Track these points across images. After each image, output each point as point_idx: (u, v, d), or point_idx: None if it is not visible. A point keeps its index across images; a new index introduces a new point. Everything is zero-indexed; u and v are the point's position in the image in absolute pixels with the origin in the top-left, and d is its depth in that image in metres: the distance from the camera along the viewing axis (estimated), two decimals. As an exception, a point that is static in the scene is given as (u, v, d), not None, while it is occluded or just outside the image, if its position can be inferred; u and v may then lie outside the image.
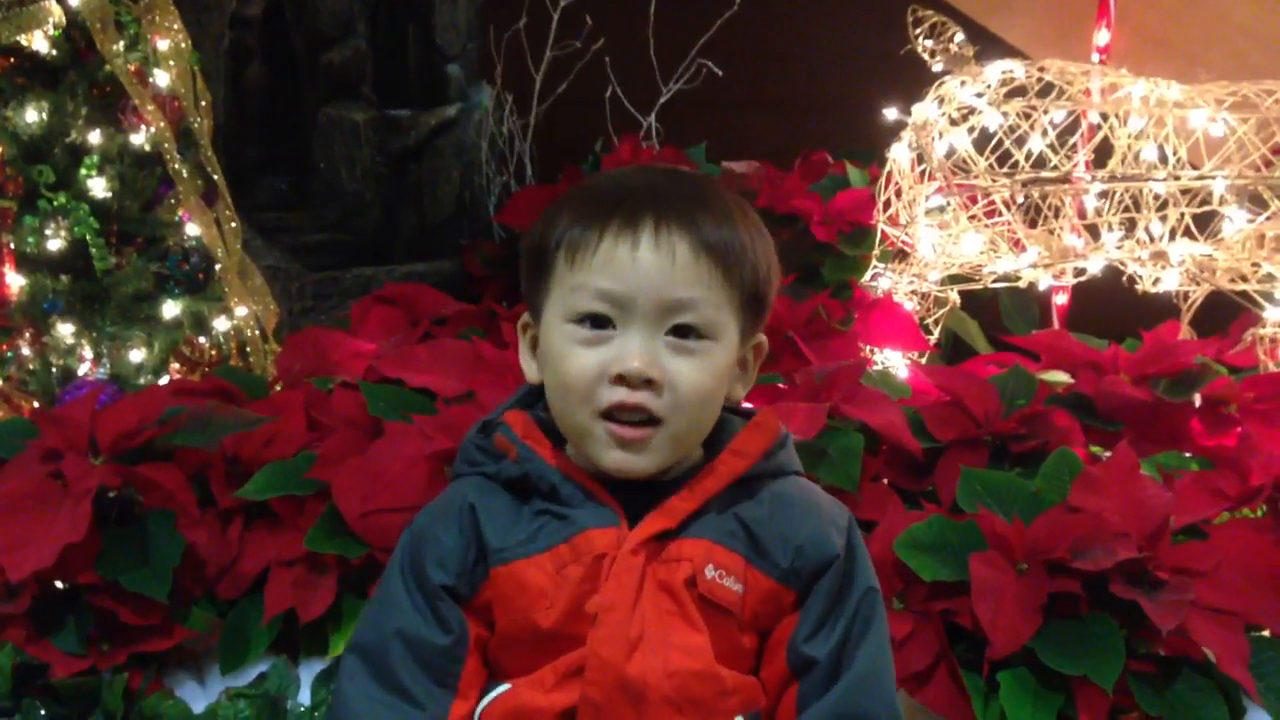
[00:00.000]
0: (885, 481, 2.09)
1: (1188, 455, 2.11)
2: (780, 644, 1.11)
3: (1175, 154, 2.46)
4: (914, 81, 2.72)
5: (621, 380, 1.07)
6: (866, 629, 1.10)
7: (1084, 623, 1.59)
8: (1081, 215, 2.65)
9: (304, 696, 1.75)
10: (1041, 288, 2.77)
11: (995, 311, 3.18)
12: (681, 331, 1.08)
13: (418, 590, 1.13)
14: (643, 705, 1.06)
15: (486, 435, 1.19)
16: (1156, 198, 2.49)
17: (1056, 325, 3.02)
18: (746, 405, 1.24)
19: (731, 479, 1.12)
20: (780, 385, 2.26)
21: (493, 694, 1.13)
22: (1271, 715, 1.57)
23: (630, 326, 1.07)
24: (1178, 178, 2.38)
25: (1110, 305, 2.85)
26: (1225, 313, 2.74)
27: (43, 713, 1.67)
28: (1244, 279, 2.42)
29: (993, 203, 2.56)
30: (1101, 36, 2.94)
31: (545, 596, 1.10)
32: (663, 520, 1.10)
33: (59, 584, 1.80)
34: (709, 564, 1.10)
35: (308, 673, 1.80)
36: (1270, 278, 2.39)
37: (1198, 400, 2.21)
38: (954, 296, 2.73)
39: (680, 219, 1.08)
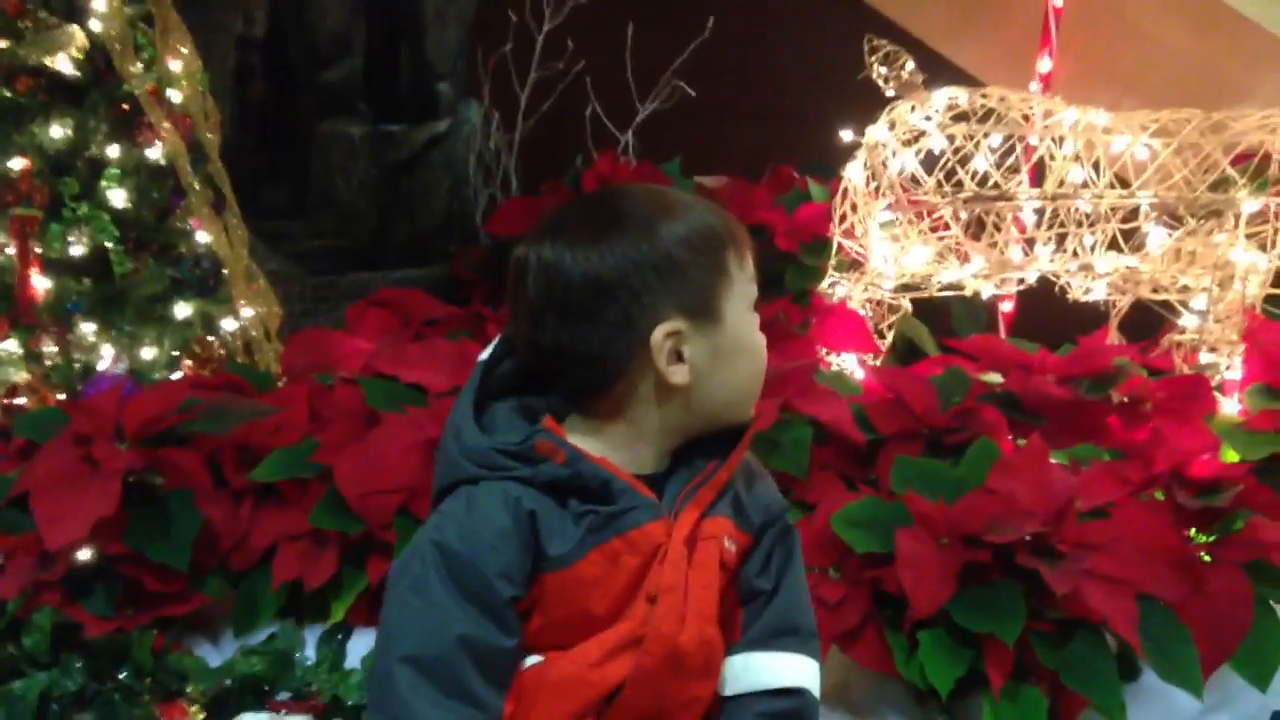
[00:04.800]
0: (834, 471, 2.30)
1: (1105, 448, 2.32)
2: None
3: (1105, 175, 2.67)
4: (876, 99, 2.89)
5: None
6: (789, 559, 1.31)
7: (993, 589, 1.80)
8: (1022, 230, 2.85)
9: (309, 653, 1.95)
10: (985, 296, 2.97)
11: (948, 318, 3.38)
12: None
13: (475, 604, 1.15)
14: (681, 670, 1.23)
15: (520, 442, 1.20)
16: (1088, 216, 2.69)
17: (1003, 331, 3.23)
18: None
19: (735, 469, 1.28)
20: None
21: (525, 664, 1.21)
22: (1154, 669, 1.79)
23: None
24: (1101, 197, 2.58)
25: (1054, 312, 3.05)
26: (1157, 319, 2.96)
27: (79, 665, 1.86)
28: (1163, 289, 2.64)
29: (941, 217, 2.76)
30: (1044, 64, 3.15)
31: (599, 586, 1.20)
32: (695, 511, 1.24)
33: (90, 554, 1.99)
34: (724, 535, 1.25)
35: (312, 634, 2.00)
36: (1187, 288, 2.61)
37: (1119, 399, 2.43)
38: (906, 304, 2.93)
39: None
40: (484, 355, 1.27)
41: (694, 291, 1.18)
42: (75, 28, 2.66)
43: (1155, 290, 2.68)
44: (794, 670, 1.29)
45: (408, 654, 1.14)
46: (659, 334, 1.17)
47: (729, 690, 1.28)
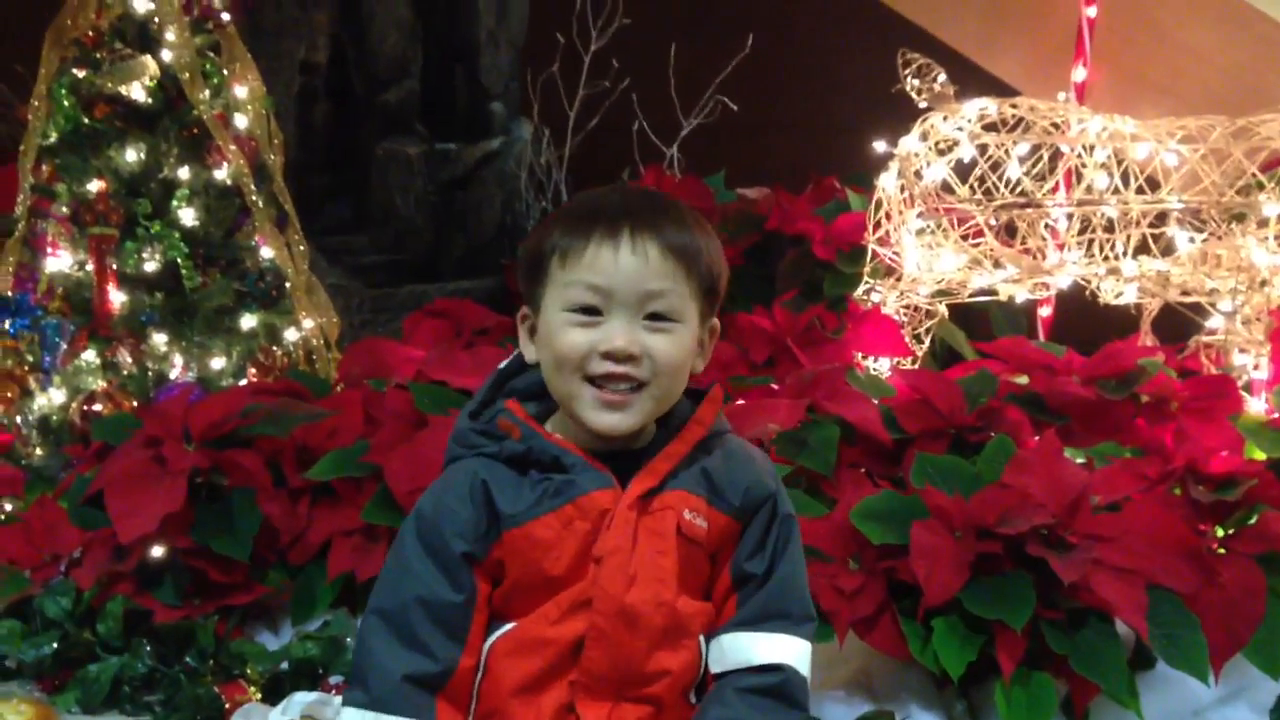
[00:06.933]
0: (863, 470, 2.37)
1: (1129, 446, 2.37)
2: (726, 563, 1.40)
3: (1134, 181, 2.72)
4: (911, 111, 2.94)
5: (609, 355, 1.32)
6: (786, 546, 1.40)
7: (1004, 578, 1.86)
8: (1057, 236, 2.90)
9: (360, 639, 2.07)
10: (1018, 300, 3.03)
11: (988, 323, 3.43)
12: (655, 316, 1.34)
13: (433, 559, 1.32)
14: (636, 628, 1.34)
15: (487, 421, 1.39)
16: (1118, 219, 2.73)
17: (1041, 335, 3.28)
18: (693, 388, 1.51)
19: (695, 443, 1.39)
20: (773, 386, 2.55)
21: (499, 632, 1.36)
22: (1162, 656, 1.84)
23: (615, 313, 1.32)
24: (1126, 203, 2.64)
25: (1092, 317, 3.10)
26: (1192, 323, 3.00)
27: (148, 649, 2.00)
28: (1189, 293, 2.68)
29: (975, 224, 2.81)
30: (1078, 74, 3.20)
31: (554, 548, 1.33)
32: (648, 480, 1.36)
33: (159, 548, 2.13)
34: (685, 508, 1.36)
35: (364, 623, 2.13)
36: (1214, 291, 2.65)
37: (1145, 399, 2.48)
38: (942, 309, 2.99)
39: (650, 227, 1.34)
40: (503, 365, 1.43)
41: (527, 285, 1.38)
42: (148, 58, 2.84)
43: (1184, 293, 2.72)
44: (778, 648, 1.38)
45: (376, 606, 1.33)
46: (519, 314, 1.40)
47: (716, 668, 1.38)
